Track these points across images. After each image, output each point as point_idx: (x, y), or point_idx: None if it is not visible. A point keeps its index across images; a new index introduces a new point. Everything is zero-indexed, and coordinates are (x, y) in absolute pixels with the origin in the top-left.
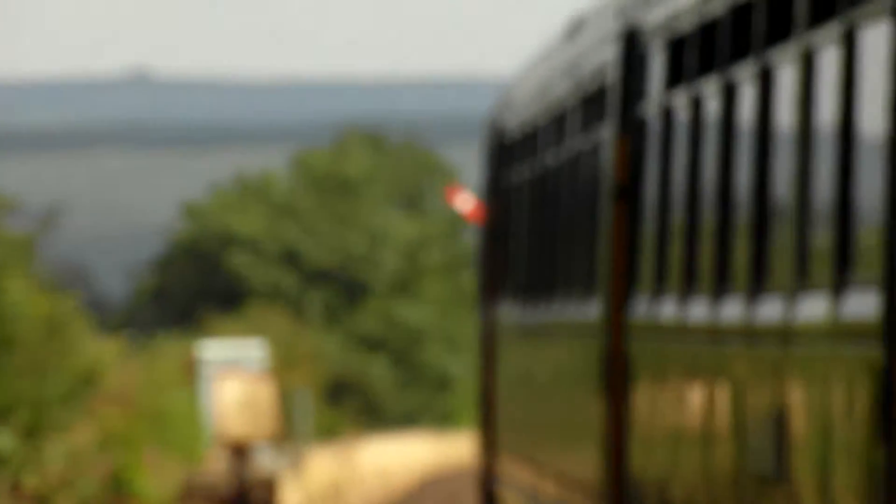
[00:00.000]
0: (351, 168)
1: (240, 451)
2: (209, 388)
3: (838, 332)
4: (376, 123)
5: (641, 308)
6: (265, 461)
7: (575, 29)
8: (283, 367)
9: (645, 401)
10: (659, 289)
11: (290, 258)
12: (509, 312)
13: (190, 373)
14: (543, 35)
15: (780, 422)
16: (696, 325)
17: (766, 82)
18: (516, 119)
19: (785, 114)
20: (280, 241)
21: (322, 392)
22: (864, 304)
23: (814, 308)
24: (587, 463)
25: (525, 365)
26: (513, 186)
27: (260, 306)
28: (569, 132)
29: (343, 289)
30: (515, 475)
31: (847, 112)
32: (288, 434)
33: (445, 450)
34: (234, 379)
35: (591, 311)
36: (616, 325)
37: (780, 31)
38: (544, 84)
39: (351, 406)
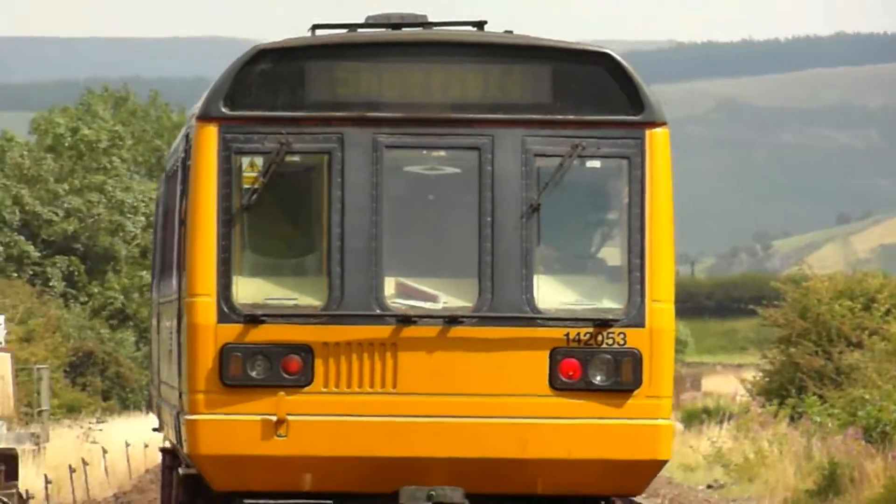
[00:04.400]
0: (94, 131)
1: None
2: None
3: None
4: (122, 83)
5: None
6: (4, 437)
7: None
8: (22, 340)
9: (163, 331)
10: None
11: (31, 227)
12: (156, 289)
13: None
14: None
15: (174, 331)
16: (166, 296)
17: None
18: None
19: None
20: (20, 209)
21: (65, 367)
22: (173, 286)
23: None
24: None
25: (159, 324)
26: (166, 202)
27: None
28: (168, 190)
29: (87, 259)
30: (165, 393)
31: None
32: (28, 409)
33: None
34: None
35: (175, 288)
36: (179, 297)
37: None
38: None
39: (95, 381)
